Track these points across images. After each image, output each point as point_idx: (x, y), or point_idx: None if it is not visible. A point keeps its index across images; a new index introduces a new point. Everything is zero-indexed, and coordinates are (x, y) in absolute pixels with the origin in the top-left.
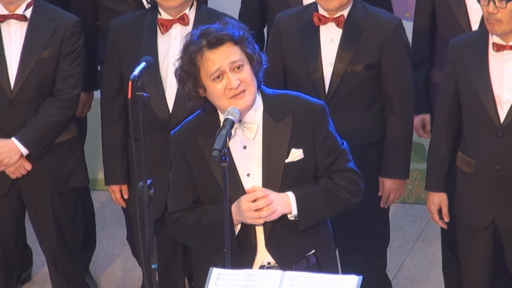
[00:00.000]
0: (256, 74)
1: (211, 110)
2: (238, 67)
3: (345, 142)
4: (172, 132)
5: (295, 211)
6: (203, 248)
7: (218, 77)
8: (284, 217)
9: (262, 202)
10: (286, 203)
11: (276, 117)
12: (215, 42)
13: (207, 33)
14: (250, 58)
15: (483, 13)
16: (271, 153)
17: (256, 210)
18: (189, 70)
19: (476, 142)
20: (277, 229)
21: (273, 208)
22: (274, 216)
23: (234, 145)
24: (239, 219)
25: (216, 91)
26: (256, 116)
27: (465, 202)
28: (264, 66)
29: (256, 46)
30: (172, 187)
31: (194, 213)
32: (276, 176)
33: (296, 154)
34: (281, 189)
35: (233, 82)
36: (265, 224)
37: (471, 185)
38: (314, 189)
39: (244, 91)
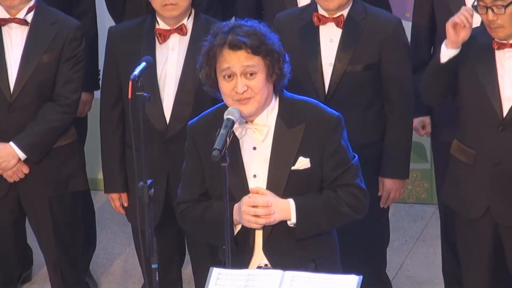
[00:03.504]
0: (275, 84)
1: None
2: (251, 74)
3: (356, 157)
4: (189, 122)
5: (294, 219)
6: (205, 241)
7: (229, 76)
8: (284, 222)
9: (262, 210)
10: (286, 210)
11: (289, 123)
12: (235, 45)
13: (235, 32)
14: (268, 69)
15: (484, 21)
16: (278, 158)
17: (254, 215)
18: (208, 59)
19: (476, 133)
20: (276, 233)
21: (272, 217)
22: (272, 222)
23: (245, 145)
24: (238, 220)
25: (224, 89)
26: (268, 119)
27: (460, 191)
28: (288, 78)
29: (283, 58)
30: (183, 177)
31: (199, 206)
32: (281, 181)
33: (303, 163)
34: (284, 195)
35: (240, 87)
36: (264, 227)
37: (468, 175)
38: (315, 200)
39: (249, 98)
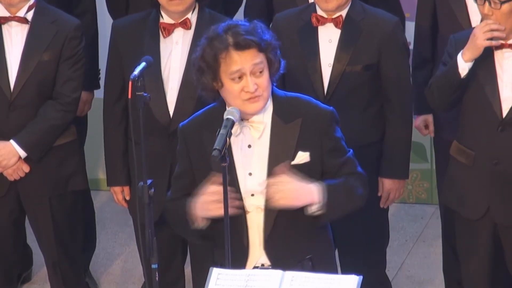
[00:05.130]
0: (272, 79)
1: (220, 106)
2: (260, 72)
3: (351, 150)
4: (180, 124)
5: (324, 200)
6: (203, 245)
7: (239, 77)
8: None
9: (211, 197)
10: (311, 194)
11: (285, 119)
12: (243, 45)
13: (235, 33)
14: (270, 64)
15: (480, 13)
16: (277, 154)
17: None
18: (210, 64)
19: (475, 134)
20: (277, 231)
21: (298, 200)
22: (298, 203)
23: (239, 144)
24: (200, 214)
25: (232, 90)
26: (264, 116)
27: (460, 192)
28: (282, 72)
29: (278, 52)
30: (173, 178)
31: (181, 202)
32: None
33: (302, 157)
34: None
35: (251, 86)
36: (265, 225)
37: (467, 176)
38: (337, 182)
39: (259, 96)
